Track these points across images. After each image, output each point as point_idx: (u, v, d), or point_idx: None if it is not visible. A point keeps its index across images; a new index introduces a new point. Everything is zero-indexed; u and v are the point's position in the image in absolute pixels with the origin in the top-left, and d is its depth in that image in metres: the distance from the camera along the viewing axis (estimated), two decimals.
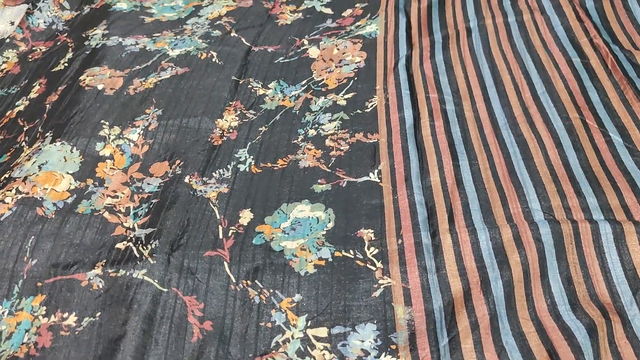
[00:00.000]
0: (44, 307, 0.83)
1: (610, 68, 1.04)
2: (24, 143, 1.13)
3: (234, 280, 0.83)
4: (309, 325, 0.76)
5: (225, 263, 0.85)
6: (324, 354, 0.73)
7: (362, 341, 0.73)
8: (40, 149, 1.07)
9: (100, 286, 0.84)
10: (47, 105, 1.21)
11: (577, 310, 0.70)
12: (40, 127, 1.15)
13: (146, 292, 0.81)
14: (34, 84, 1.33)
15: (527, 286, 0.73)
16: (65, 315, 0.82)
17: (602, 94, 1.00)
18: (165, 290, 0.82)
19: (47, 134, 1.11)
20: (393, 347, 0.72)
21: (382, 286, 0.79)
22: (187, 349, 0.76)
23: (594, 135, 0.93)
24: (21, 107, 1.26)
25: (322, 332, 0.75)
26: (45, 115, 1.19)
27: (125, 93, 1.21)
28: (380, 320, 0.75)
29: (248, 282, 0.82)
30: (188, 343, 0.77)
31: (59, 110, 1.18)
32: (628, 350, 0.63)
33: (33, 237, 0.92)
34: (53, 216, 0.95)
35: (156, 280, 0.82)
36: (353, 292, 0.79)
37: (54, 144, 1.08)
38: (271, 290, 0.81)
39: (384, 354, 0.72)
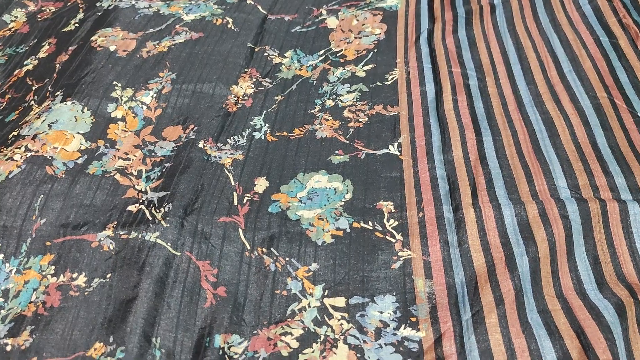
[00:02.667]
0: (53, 267, 0.81)
1: None
2: (32, 102, 1.10)
3: (248, 247, 0.81)
4: (326, 294, 0.75)
5: (240, 229, 0.83)
6: (341, 324, 0.71)
7: (381, 312, 0.72)
8: (50, 107, 1.04)
9: (111, 247, 0.82)
10: (57, 65, 1.18)
11: (604, 289, 0.68)
12: (50, 87, 1.12)
13: (158, 255, 0.79)
14: (43, 44, 1.29)
15: (553, 263, 0.71)
16: (75, 275, 0.80)
17: (631, 74, 0.97)
18: (179, 254, 0.80)
19: (57, 93, 1.08)
20: (413, 319, 0.70)
21: (401, 258, 0.77)
22: (199, 314, 0.74)
23: (622, 115, 0.90)
24: (30, 67, 1.22)
25: (340, 301, 0.74)
26: (55, 74, 1.15)
27: (138, 55, 1.18)
28: (400, 293, 0.73)
29: (263, 249, 0.80)
30: (201, 308, 0.75)
31: (70, 70, 1.15)
32: None
33: (42, 196, 0.89)
34: (63, 176, 0.93)
35: (169, 244, 0.80)
36: (371, 263, 0.77)
37: (65, 103, 1.05)
38: (287, 259, 0.79)
39: (403, 325, 0.70)
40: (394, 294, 0.73)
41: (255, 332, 0.72)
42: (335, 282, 0.76)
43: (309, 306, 0.74)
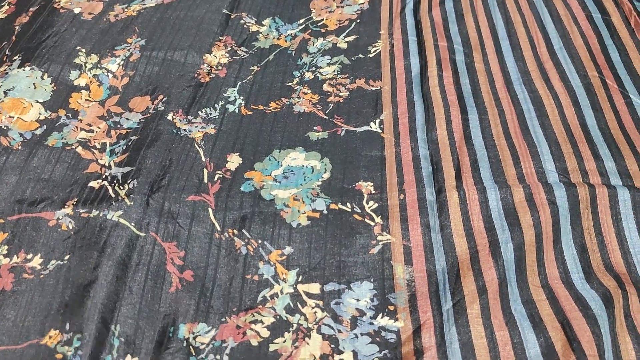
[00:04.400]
0: (6, 247, 0.75)
1: (633, 26, 0.97)
2: None
3: (218, 229, 0.76)
4: (300, 280, 0.70)
5: (209, 209, 0.77)
6: (315, 312, 0.67)
7: (358, 300, 0.68)
8: (6, 73, 0.97)
9: (70, 227, 0.76)
10: (16, 27, 1.10)
11: (592, 279, 0.65)
12: (7, 50, 1.04)
13: (121, 236, 0.73)
14: (2, 4, 1.20)
15: (539, 251, 0.68)
16: (30, 256, 0.74)
17: (624, 53, 0.93)
18: (143, 234, 0.74)
19: (15, 57, 1.01)
20: (391, 308, 0.66)
21: (380, 243, 0.72)
22: (164, 299, 0.69)
23: (613, 96, 0.86)
24: None
25: (314, 288, 0.69)
26: (13, 37, 1.07)
27: (105, 19, 1.10)
28: (378, 279, 0.69)
29: (234, 231, 0.75)
30: (165, 293, 0.70)
31: (30, 32, 1.07)
32: None
33: None
34: (19, 147, 0.86)
35: (133, 223, 0.75)
36: (349, 248, 0.72)
37: (23, 68, 0.97)
38: (259, 241, 0.74)
39: (381, 314, 0.66)
40: (372, 280, 0.69)
41: (223, 319, 0.67)
42: (310, 267, 0.71)
43: (282, 292, 0.69)
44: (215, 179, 0.82)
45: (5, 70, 0.98)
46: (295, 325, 0.66)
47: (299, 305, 0.68)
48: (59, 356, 0.64)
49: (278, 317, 0.67)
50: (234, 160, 0.85)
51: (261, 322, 0.67)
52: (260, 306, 0.68)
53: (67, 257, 0.73)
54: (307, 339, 0.65)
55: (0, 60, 1.01)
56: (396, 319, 0.65)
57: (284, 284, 0.70)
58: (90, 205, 0.78)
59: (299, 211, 0.77)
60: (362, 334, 0.65)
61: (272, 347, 0.64)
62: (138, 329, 0.65)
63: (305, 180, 0.81)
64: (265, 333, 0.66)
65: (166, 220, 0.76)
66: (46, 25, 1.08)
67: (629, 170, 0.76)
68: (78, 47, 1.03)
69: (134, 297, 0.68)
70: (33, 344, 0.65)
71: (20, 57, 1.00)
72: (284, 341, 0.65)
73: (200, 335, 0.65)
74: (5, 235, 0.76)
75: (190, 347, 0.64)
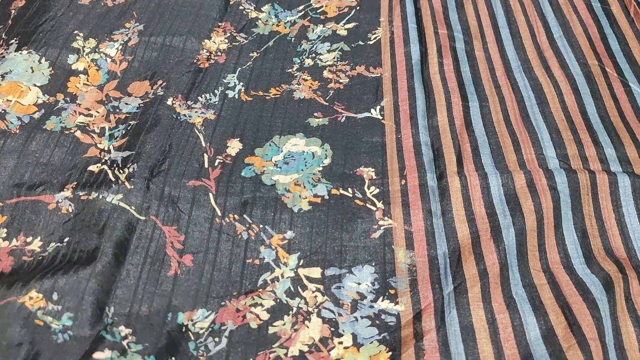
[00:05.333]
0: (5, 230, 0.74)
1: (632, 16, 0.97)
2: None
3: (219, 214, 0.75)
4: (301, 264, 0.70)
5: (210, 194, 0.77)
6: (315, 296, 0.67)
7: (359, 284, 0.68)
8: (3, 56, 0.96)
9: (70, 210, 0.75)
10: (12, 11, 1.08)
11: (592, 264, 0.65)
12: (3, 34, 1.02)
13: (121, 218, 0.73)
14: None
15: (540, 236, 0.68)
16: (29, 239, 0.73)
17: (623, 42, 0.94)
18: (143, 218, 0.74)
19: (12, 41, 0.99)
20: (392, 291, 0.67)
21: (382, 227, 0.72)
22: (162, 283, 0.68)
23: (612, 84, 0.87)
24: None
25: (315, 272, 0.69)
26: (10, 21, 1.06)
27: (102, 4, 1.09)
28: (379, 263, 0.69)
29: (235, 216, 0.75)
30: (164, 277, 0.69)
31: (26, 16, 1.06)
32: None
33: None
34: (17, 131, 0.85)
35: (133, 207, 0.74)
36: (350, 232, 0.72)
37: (20, 52, 0.96)
38: (261, 226, 0.74)
39: (381, 298, 0.66)
40: (373, 264, 0.69)
41: (223, 303, 0.67)
42: (311, 252, 0.71)
43: (282, 276, 0.69)
44: (216, 164, 0.81)
45: (2, 54, 0.96)
46: (295, 309, 0.66)
47: (300, 289, 0.68)
48: (39, 322, 0.62)
49: (278, 300, 0.67)
50: (234, 146, 0.84)
51: (261, 305, 0.67)
52: (261, 290, 0.68)
53: (66, 239, 0.72)
54: (306, 322, 0.65)
55: None
56: (396, 303, 0.65)
57: (284, 268, 0.70)
58: (89, 189, 0.77)
59: (300, 196, 0.77)
60: (362, 317, 0.65)
61: (271, 330, 0.64)
62: (133, 310, 0.65)
63: (306, 165, 0.81)
64: (265, 316, 0.66)
65: (166, 205, 0.76)
66: (42, 9, 1.07)
67: (629, 157, 0.76)
68: (76, 32, 1.02)
69: (131, 279, 0.68)
70: (10, 301, 0.64)
71: (17, 41, 0.99)
72: (284, 324, 0.65)
73: (199, 321, 0.65)
74: (4, 218, 0.75)
75: (189, 332, 0.64)
